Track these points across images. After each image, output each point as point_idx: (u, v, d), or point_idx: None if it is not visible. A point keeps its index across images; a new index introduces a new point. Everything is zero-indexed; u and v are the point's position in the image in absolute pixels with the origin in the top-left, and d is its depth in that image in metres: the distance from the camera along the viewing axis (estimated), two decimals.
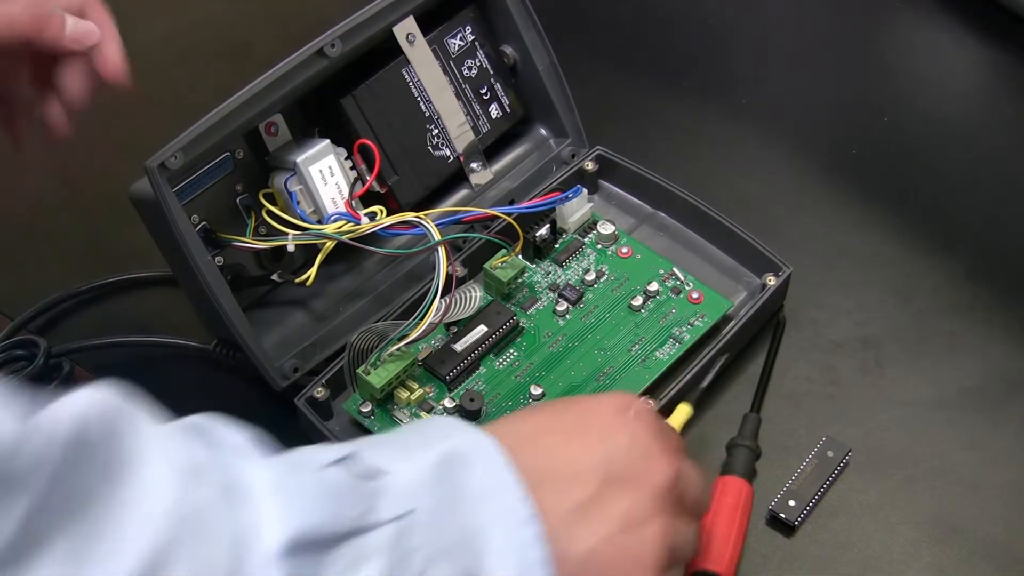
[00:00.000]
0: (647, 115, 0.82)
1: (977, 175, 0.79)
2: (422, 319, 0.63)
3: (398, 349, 0.63)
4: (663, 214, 0.74)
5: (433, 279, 0.63)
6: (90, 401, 0.41)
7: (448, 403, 0.64)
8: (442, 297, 0.63)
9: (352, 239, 0.65)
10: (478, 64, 0.73)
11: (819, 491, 0.62)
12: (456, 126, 0.72)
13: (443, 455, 0.48)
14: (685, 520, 0.52)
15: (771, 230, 0.72)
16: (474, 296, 0.67)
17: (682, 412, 0.62)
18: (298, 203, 0.66)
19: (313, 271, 0.65)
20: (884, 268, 0.73)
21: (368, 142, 0.68)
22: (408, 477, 0.46)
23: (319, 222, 0.66)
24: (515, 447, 0.49)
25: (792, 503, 0.61)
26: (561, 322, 0.68)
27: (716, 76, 0.86)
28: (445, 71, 0.71)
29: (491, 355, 0.67)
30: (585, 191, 0.72)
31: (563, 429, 0.52)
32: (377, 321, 0.66)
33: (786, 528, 0.61)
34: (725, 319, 0.68)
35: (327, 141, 0.67)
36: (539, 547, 0.47)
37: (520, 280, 0.70)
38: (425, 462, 0.47)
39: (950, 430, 0.65)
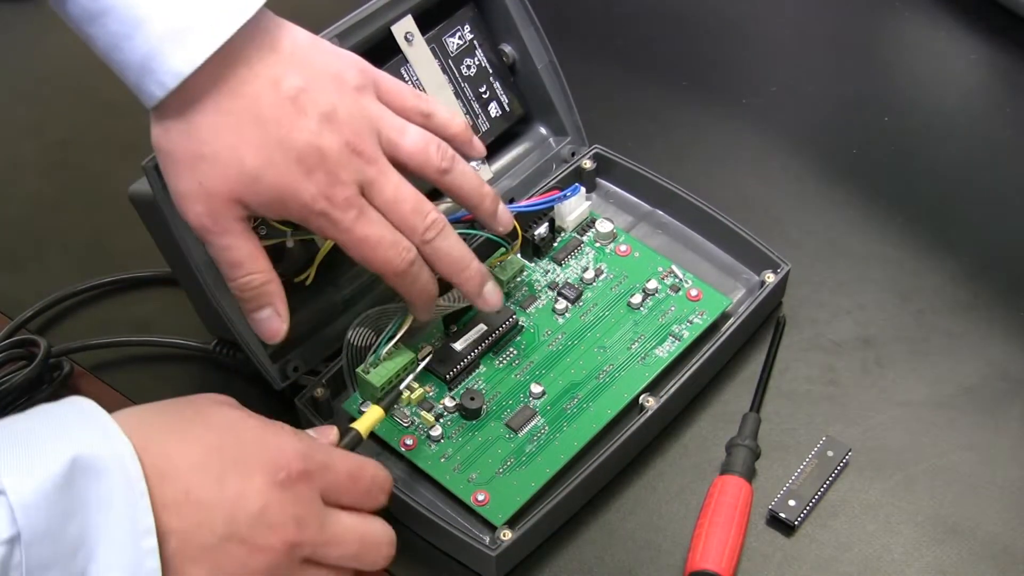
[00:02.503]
0: (646, 114, 0.82)
1: (977, 175, 0.79)
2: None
3: (395, 345, 0.63)
4: (661, 212, 0.74)
5: None
6: None
7: (448, 402, 0.64)
8: (441, 296, 0.63)
9: None
10: (477, 63, 0.73)
11: (819, 491, 0.62)
12: None
13: (72, 464, 0.45)
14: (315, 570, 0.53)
15: (771, 230, 0.72)
16: None
17: (373, 414, 0.60)
18: None
19: (312, 270, 0.65)
20: (884, 268, 0.73)
21: None
22: (25, 498, 0.44)
23: None
24: (160, 462, 0.48)
25: (792, 503, 0.61)
26: (560, 320, 0.68)
27: (716, 75, 0.86)
28: (444, 70, 0.71)
29: (491, 354, 0.67)
30: (583, 189, 0.71)
31: (215, 466, 0.51)
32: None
33: (786, 528, 0.61)
34: (724, 316, 0.68)
35: None
36: (154, 559, 0.47)
37: (519, 279, 0.70)
38: (48, 474, 0.45)
39: (950, 430, 0.65)
